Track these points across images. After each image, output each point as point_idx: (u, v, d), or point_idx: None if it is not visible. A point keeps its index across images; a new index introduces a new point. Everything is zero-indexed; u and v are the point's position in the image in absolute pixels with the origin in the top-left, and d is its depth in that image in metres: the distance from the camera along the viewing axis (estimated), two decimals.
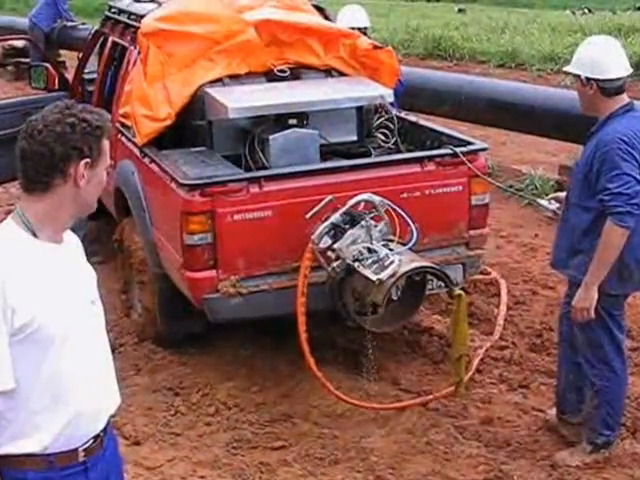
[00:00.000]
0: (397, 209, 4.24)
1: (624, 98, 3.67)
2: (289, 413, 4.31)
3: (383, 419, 4.25)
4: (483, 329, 5.20)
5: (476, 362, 4.72)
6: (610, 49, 3.69)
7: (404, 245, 4.14)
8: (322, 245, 4.13)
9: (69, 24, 12.80)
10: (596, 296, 3.60)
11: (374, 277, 3.91)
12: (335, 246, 4.10)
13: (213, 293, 4.23)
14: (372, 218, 4.16)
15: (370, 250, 4.05)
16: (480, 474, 3.84)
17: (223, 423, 4.24)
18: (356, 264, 4.01)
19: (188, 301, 4.43)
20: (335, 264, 4.09)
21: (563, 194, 3.96)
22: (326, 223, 4.15)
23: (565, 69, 3.85)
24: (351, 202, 4.17)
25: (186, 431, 4.19)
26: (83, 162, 2.09)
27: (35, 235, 2.10)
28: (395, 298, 4.17)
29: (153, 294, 4.78)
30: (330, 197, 4.20)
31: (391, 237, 4.17)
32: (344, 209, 4.16)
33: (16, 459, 2.11)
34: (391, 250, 4.05)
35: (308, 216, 4.17)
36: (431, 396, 4.37)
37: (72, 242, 2.26)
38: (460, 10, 21.88)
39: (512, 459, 3.95)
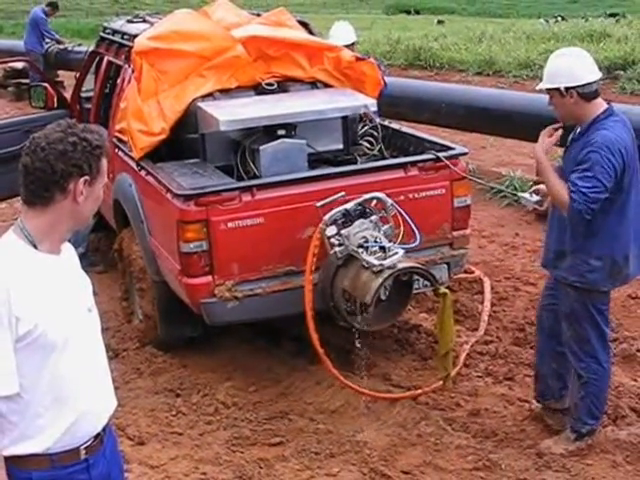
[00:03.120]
0: (404, 214, 4.32)
1: (602, 102, 3.70)
2: (285, 410, 4.38)
3: (375, 414, 4.31)
4: (469, 325, 5.28)
5: (463, 357, 4.78)
6: (579, 55, 3.73)
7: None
8: (328, 233, 4.20)
9: (62, 46, 13.02)
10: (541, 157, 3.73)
11: (376, 262, 3.99)
12: (342, 232, 4.16)
13: (210, 298, 4.31)
14: (380, 218, 4.26)
15: (376, 240, 4.13)
16: (469, 463, 3.91)
17: (223, 422, 4.30)
18: (360, 250, 4.08)
19: (186, 306, 4.51)
20: (338, 249, 4.16)
21: (543, 186, 3.93)
22: (340, 208, 4.22)
23: (540, 87, 3.75)
24: (366, 196, 4.27)
25: (187, 430, 4.25)
26: (82, 179, 2.15)
27: (35, 247, 2.16)
28: (383, 298, 4.22)
29: (153, 301, 4.85)
30: (342, 193, 4.29)
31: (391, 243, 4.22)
32: (359, 200, 4.24)
33: (21, 459, 2.19)
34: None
35: (319, 204, 4.26)
36: (420, 390, 4.45)
37: (68, 253, 2.33)
38: (439, 22, 22.17)
39: (499, 448, 4.02)
